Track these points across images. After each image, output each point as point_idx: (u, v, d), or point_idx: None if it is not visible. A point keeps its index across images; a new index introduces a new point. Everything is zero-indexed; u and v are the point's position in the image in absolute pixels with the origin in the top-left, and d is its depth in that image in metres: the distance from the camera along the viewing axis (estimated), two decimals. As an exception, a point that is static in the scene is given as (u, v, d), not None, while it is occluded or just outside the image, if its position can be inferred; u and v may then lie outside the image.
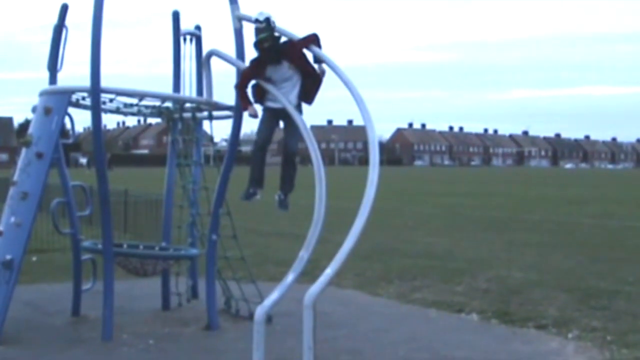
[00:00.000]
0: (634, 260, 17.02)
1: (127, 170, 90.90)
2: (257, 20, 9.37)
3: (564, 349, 9.64)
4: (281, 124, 9.84)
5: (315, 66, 9.52)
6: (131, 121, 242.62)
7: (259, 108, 9.68)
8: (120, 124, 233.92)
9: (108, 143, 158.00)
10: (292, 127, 9.48)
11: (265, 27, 9.32)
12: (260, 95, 9.60)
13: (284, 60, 9.43)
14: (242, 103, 9.72)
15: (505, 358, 9.18)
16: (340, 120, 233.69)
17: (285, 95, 9.38)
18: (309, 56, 9.54)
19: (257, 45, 9.43)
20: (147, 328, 10.59)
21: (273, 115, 9.62)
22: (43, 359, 8.90)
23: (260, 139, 9.68)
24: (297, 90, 9.51)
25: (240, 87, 9.70)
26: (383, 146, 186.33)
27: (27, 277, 12.72)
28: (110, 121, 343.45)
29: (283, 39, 9.61)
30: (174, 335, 10.29)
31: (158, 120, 12.45)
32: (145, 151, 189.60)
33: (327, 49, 9.60)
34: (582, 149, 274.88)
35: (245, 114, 9.70)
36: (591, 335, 10.21)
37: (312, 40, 9.53)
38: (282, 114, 9.51)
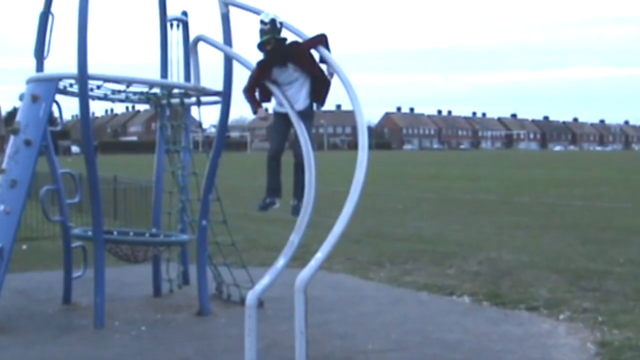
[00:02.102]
0: (623, 241, 17.08)
1: (116, 158, 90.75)
2: (261, 22, 9.20)
3: (556, 330, 9.67)
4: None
5: (324, 67, 9.31)
6: (119, 108, 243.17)
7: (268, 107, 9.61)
8: (109, 112, 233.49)
9: (97, 130, 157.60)
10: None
11: (269, 29, 9.16)
12: (267, 94, 9.43)
13: (289, 62, 9.20)
14: (252, 106, 9.56)
15: (497, 340, 9.19)
16: (329, 105, 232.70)
17: (291, 97, 9.17)
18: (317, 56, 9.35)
19: (261, 46, 9.28)
20: (139, 315, 10.58)
21: (283, 120, 9.36)
22: (35, 347, 8.88)
23: (272, 147, 9.52)
24: (304, 91, 9.27)
25: (248, 91, 9.49)
26: (372, 130, 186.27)
27: (17, 266, 12.71)
28: (98, 108, 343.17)
29: (295, 39, 9.46)
30: (166, 321, 10.28)
31: (146, 107, 12.43)
32: (134, 138, 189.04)
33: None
34: (571, 132, 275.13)
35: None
36: (582, 316, 10.24)
37: (320, 41, 9.33)
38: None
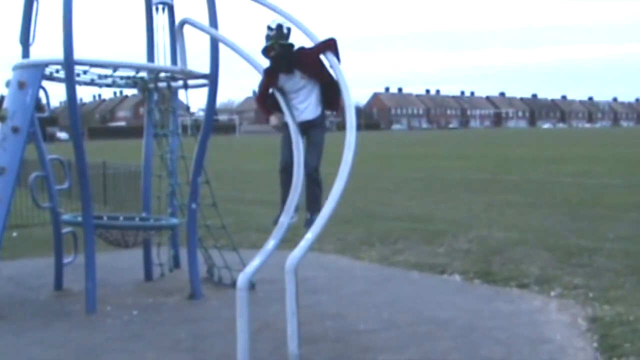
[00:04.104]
0: (613, 217, 17.12)
1: (105, 143, 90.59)
2: (268, 27, 8.97)
3: (547, 307, 9.70)
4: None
5: (333, 72, 8.94)
6: (107, 94, 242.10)
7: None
8: (97, 97, 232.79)
9: (85, 116, 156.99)
10: (311, 141, 9.05)
11: (275, 35, 8.93)
12: (274, 100, 9.24)
13: (295, 69, 8.99)
14: (263, 114, 9.40)
15: (488, 317, 9.22)
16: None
17: (299, 105, 9.02)
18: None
19: (265, 53, 9.08)
20: (131, 299, 10.58)
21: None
22: (27, 334, 8.87)
23: (282, 158, 9.26)
24: (313, 99, 9.09)
25: (259, 99, 9.37)
26: (360, 111, 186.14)
27: (7, 253, 12.70)
28: (86, 94, 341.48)
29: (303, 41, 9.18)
30: (158, 305, 10.28)
31: (134, 92, 12.40)
32: (123, 123, 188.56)
33: (308, 20, 9.25)
34: (559, 109, 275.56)
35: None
36: (573, 292, 10.27)
37: (328, 46, 8.92)
38: (304, 126, 9.02)
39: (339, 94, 8.82)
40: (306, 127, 9.07)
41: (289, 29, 8.99)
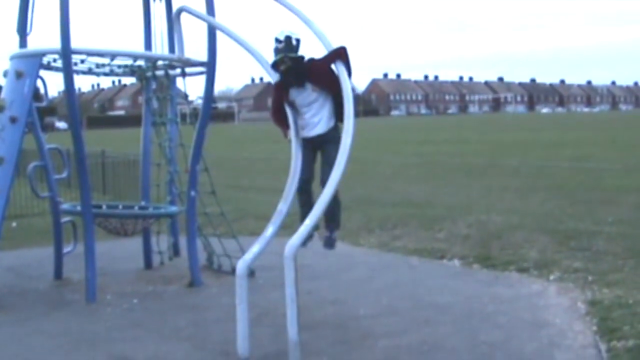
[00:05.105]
0: (612, 201, 17.12)
1: (104, 132, 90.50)
2: (276, 40, 8.47)
3: (546, 291, 9.73)
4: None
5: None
6: (106, 83, 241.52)
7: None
8: (95, 86, 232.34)
9: (83, 105, 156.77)
10: (325, 158, 8.53)
11: (283, 47, 8.43)
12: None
13: (306, 82, 8.52)
14: (280, 128, 8.92)
15: (488, 302, 9.25)
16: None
17: (311, 119, 8.58)
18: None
19: (274, 67, 8.65)
20: (131, 288, 10.61)
21: (307, 145, 8.64)
22: (28, 323, 8.89)
23: (299, 178, 8.46)
24: (326, 112, 8.60)
25: (273, 115, 8.96)
26: (359, 97, 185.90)
27: (7, 243, 12.69)
28: (85, 84, 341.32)
29: (323, 50, 8.65)
30: (158, 293, 10.31)
31: (133, 80, 12.38)
32: (122, 112, 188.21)
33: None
34: (558, 93, 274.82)
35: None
36: (572, 276, 10.30)
37: (338, 55, 8.50)
38: (317, 141, 8.60)
39: (354, 102, 8.36)
40: (320, 142, 8.67)
41: (298, 40, 8.52)
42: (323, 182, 8.33)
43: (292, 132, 8.63)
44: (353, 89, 8.41)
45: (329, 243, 8.98)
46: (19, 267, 11.98)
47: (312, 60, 8.66)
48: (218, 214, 11.57)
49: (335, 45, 8.65)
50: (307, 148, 8.63)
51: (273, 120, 9.06)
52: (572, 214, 15.43)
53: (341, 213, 9.15)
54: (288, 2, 9.42)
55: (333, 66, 8.54)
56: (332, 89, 8.47)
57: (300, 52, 8.58)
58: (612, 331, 7.81)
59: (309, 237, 8.43)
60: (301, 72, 8.52)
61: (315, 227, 8.55)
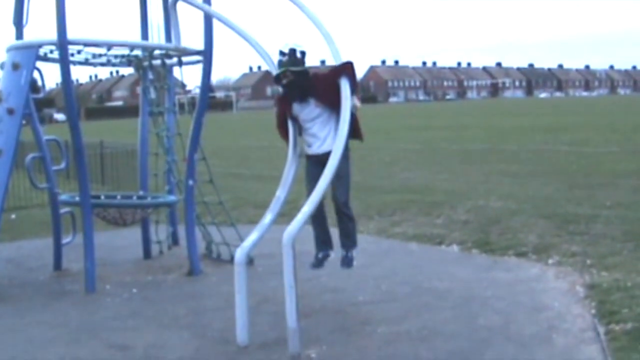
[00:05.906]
0: (610, 185, 17.15)
1: (103, 123, 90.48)
2: (280, 52, 8.13)
3: (545, 275, 9.75)
4: None
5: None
6: (104, 74, 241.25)
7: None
8: (93, 77, 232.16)
9: (82, 96, 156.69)
10: (338, 173, 7.80)
11: (287, 61, 8.09)
12: (300, 129, 8.49)
13: (309, 97, 8.21)
14: (287, 143, 8.51)
15: (487, 286, 9.26)
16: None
17: (315, 135, 8.29)
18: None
19: (277, 80, 8.29)
20: (130, 277, 10.62)
21: (315, 162, 8.30)
22: (28, 315, 8.90)
23: (307, 195, 7.97)
24: (330, 128, 8.22)
25: (279, 130, 8.65)
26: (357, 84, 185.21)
27: (6, 235, 12.73)
28: (83, 75, 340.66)
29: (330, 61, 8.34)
30: (157, 282, 10.33)
31: (131, 71, 12.37)
32: (120, 103, 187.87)
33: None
34: (556, 78, 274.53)
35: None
36: (571, 260, 10.32)
37: (344, 69, 8.15)
38: (324, 159, 7.86)
39: (355, 122, 8.25)
40: (328, 159, 7.85)
41: (303, 53, 8.19)
42: (336, 200, 8.31)
43: (290, 145, 8.38)
44: (355, 107, 8.17)
45: (346, 262, 8.70)
46: (18, 259, 12.00)
47: (315, 74, 8.40)
48: (216, 202, 11.58)
49: (340, 46, 8.47)
50: (315, 166, 8.25)
51: (278, 132, 8.75)
52: (570, 198, 15.45)
53: (357, 232, 8.95)
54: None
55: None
56: (335, 105, 8.10)
57: (306, 53, 8.30)
58: (611, 314, 7.83)
59: (324, 257, 8.65)
60: (304, 87, 8.23)
61: (330, 246, 8.70)
